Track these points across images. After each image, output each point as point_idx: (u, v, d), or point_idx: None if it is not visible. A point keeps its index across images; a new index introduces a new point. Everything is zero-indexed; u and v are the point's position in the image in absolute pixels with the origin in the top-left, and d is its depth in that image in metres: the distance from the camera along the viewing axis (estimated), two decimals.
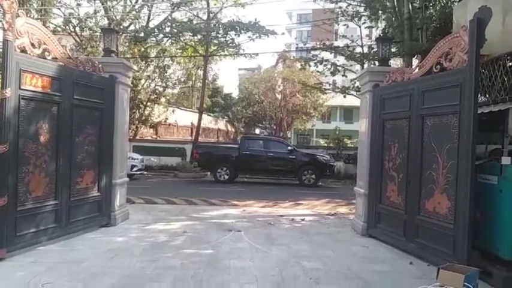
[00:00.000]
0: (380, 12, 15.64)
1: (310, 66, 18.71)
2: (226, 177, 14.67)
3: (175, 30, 17.94)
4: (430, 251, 5.13)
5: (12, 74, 4.75)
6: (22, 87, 4.92)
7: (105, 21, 18.65)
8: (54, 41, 5.50)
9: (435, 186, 5.13)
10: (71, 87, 5.71)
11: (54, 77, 5.41)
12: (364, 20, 16.99)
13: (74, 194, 5.87)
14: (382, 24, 16.68)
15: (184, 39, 19.88)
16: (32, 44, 5.08)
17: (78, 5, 18.45)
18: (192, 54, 22.11)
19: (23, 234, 5.01)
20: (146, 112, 20.61)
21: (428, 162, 5.28)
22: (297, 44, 42.92)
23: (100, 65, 6.50)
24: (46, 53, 5.35)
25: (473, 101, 4.53)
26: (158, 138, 22.80)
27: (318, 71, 18.85)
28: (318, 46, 18.01)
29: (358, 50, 17.64)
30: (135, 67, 8.70)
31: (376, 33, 18.28)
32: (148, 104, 20.69)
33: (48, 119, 5.38)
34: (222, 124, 37.90)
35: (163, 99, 22.60)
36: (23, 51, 4.97)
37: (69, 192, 5.77)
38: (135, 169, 14.30)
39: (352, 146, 22.22)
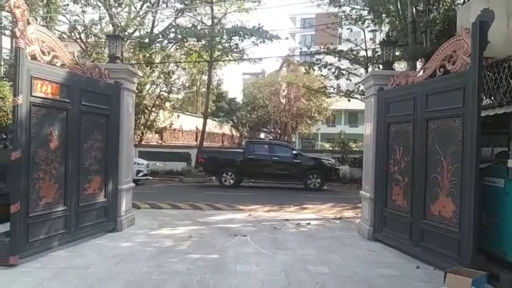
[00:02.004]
0: (384, 15, 15.69)
1: (314, 70, 18.75)
2: (232, 181, 14.69)
3: (180, 36, 18.07)
4: (436, 254, 5.11)
5: (24, 81, 4.79)
6: (33, 94, 4.95)
7: (110, 28, 18.84)
8: (63, 48, 5.56)
9: (440, 190, 5.12)
10: (79, 93, 5.76)
11: (63, 83, 5.47)
12: (368, 23, 17.04)
13: (82, 199, 5.90)
14: (385, 28, 16.69)
15: (188, 45, 20.06)
16: (42, 51, 5.13)
17: (84, 12, 18.69)
18: (197, 59, 22.26)
19: (35, 240, 5.02)
20: (151, 117, 20.75)
21: (432, 165, 5.28)
22: (300, 48, 42.96)
23: (106, 71, 6.56)
24: (55, 60, 5.40)
25: (476, 103, 4.54)
26: (163, 144, 22.92)
27: (322, 75, 18.86)
28: (322, 50, 18.03)
29: (362, 53, 17.66)
30: (140, 73, 8.78)
31: (379, 36, 18.27)
32: (154, 109, 20.83)
33: (58, 125, 5.43)
34: (226, 129, 37.98)
35: (168, 105, 22.72)
36: (33, 58, 5.02)
37: (78, 198, 5.81)
38: (140, 174, 14.37)
39: (357, 149, 22.24)
